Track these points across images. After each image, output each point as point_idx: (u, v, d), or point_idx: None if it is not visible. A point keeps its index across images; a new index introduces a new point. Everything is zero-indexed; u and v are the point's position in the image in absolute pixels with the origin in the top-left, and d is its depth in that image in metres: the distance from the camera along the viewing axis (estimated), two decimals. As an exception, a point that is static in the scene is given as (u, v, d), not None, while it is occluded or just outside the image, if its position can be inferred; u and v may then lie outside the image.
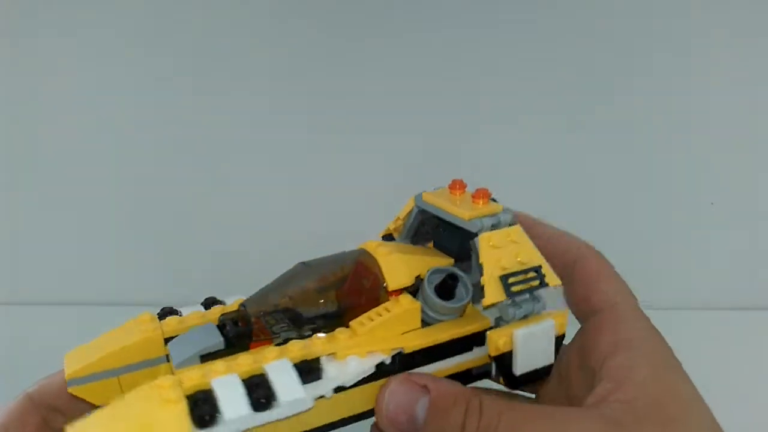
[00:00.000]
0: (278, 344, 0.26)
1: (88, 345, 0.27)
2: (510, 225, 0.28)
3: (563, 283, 0.30)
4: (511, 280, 0.26)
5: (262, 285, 0.28)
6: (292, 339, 0.26)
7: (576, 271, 0.30)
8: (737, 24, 0.48)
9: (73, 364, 0.26)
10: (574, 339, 0.30)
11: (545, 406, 0.25)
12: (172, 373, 0.24)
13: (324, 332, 0.27)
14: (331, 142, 0.52)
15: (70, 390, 0.25)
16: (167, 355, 0.27)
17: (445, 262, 0.29)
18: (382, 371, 0.25)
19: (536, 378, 0.27)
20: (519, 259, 0.27)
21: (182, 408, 0.21)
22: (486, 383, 0.30)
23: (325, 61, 0.50)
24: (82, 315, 0.54)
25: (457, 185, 0.30)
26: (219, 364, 0.24)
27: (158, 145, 0.53)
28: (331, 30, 0.50)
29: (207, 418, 0.22)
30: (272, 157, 0.53)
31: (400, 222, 0.32)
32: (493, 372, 0.28)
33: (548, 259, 0.29)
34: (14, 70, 0.51)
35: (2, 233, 0.55)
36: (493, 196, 0.29)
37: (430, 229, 0.32)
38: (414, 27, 0.49)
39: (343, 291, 0.28)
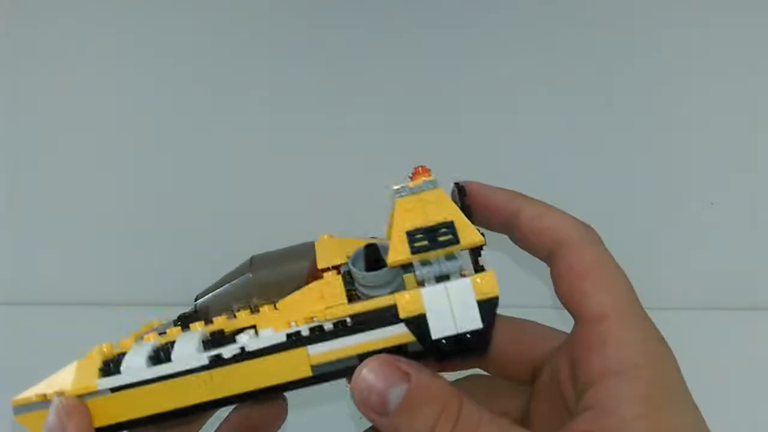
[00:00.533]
0: None
1: None
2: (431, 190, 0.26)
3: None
4: (417, 237, 0.24)
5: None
6: None
7: (557, 263, 0.26)
8: (738, 23, 0.48)
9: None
10: (566, 341, 0.27)
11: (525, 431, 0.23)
12: None
13: None
14: (334, 142, 0.52)
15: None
16: None
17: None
18: (296, 342, 0.24)
19: (467, 349, 0.24)
20: (429, 217, 0.25)
21: (96, 363, 0.26)
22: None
23: (328, 60, 0.50)
24: (83, 315, 0.54)
25: (418, 171, 0.28)
26: (149, 338, 0.26)
27: (159, 145, 0.53)
28: (333, 30, 0.50)
29: (110, 368, 0.25)
30: (275, 157, 0.53)
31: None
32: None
33: (528, 246, 0.27)
34: (14, 69, 0.51)
35: (2, 233, 0.55)
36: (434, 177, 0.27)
37: None
38: (416, 27, 0.49)
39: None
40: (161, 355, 0.25)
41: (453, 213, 0.25)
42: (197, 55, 0.51)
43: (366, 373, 0.23)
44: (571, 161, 0.52)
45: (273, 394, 0.25)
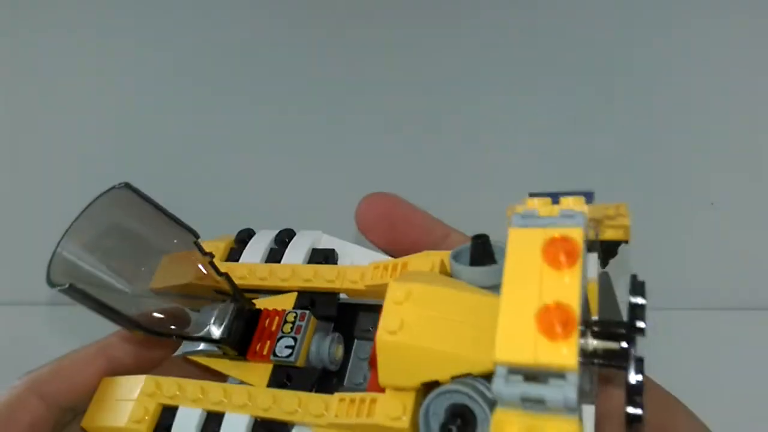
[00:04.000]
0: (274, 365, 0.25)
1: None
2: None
3: None
4: None
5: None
6: (289, 362, 0.24)
7: None
8: (738, 23, 0.48)
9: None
10: None
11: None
12: None
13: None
14: (337, 143, 0.52)
15: None
16: None
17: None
18: None
19: None
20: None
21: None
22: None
23: (334, 61, 0.50)
24: (82, 315, 0.54)
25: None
26: (193, 388, 0.24)
27: (160, 145, 0.53)
28: (341, 30, 0.50)
29: None
30: (278, 158, 0.53)
31: None
32: None
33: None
34: (13, 68, 0.51)
35: (2, 233, 0.55)
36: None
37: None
38: (416, 27, 0.49)
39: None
40: None
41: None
42: (199, 55, 0.51)
43: None
44: (572, 161, 0.52)
45: None
